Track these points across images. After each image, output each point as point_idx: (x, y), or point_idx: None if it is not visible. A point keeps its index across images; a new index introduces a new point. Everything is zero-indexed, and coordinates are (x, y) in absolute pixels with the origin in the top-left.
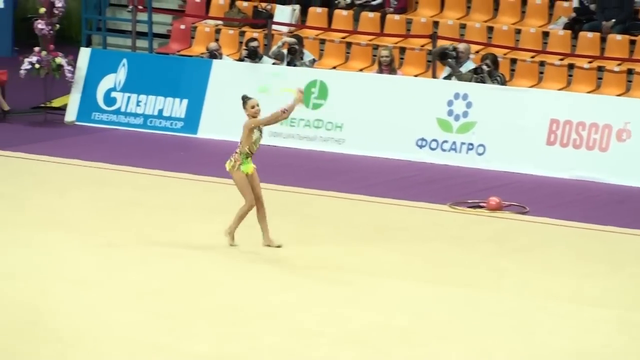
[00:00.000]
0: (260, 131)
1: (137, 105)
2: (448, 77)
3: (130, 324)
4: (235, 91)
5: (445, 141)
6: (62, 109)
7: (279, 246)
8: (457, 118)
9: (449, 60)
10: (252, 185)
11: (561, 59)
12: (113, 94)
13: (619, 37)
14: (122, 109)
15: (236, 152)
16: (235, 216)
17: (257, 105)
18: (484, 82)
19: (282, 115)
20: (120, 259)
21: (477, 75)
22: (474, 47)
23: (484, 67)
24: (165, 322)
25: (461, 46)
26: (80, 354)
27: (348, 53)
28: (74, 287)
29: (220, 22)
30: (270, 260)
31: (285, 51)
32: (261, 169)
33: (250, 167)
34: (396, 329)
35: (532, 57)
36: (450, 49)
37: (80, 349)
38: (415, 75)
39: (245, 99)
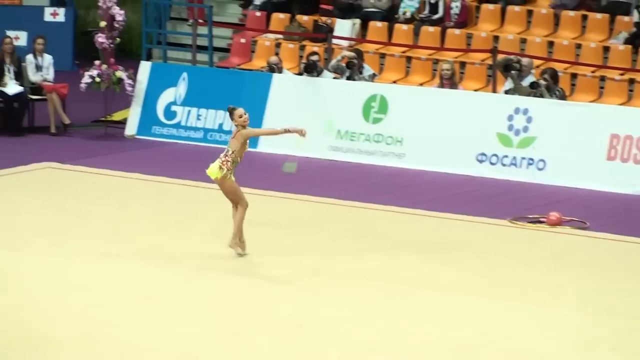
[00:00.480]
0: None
1: (197, 119)
2: (509, 92)
3: (192, 339)
4: (296, 105)
5: (506, 156)
6: (123, 122)
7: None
8: (517, 133)
9: (512, 72)
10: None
11: (621, 74)
12: (173, 108)
13: None
14: (182, 123)
15: (226, 161)
16: (235, 226)
17: (245, 114)
18: (542, 97)
19: (280, 133)
20: (181, 273)
21: (534, 90)
22: (535, 62)
23: (541, 81)
24: (227, 337)
25: (525, 60)
26: None
27: (408, 67)
28: (135, 300)
29: (280, 36)
30: (330, 275)
31: (344, 65)
32: (321, 184)
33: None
34: (455, 344)
35: (593, 72)
36: (515, 60)
37: None
38: (476, 90)
39: (232, 109)
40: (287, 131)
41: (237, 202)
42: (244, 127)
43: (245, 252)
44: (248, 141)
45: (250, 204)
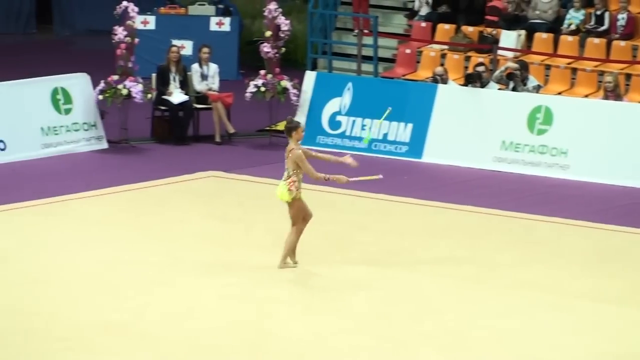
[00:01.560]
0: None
1: (362, 129)
2: None
3: (355, 348)
4: (461, 116)
5: None
6: None
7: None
8: None
9: None
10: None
11: None
12: (338, 118)
13: None
14: (347, 133)
15: (292, 181)
16: (287, 248)
17: (303, 130)
18: None
19: (320, 178)
20: (344, 282)
21: None
22: None
23: None
24: (389, 346)
25: None
26: None
27: (573, 79)
28: (298, 310)
29: (445, 46)
30: (493, 285)
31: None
32: (485, 195)
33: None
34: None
35: None
36: None
37: None
38: None
39: (296, 125)
40: (327, 179)
41: (296, 223)
42: (297, 140)
43: (296, 261)
44: None
45: (415, 214)
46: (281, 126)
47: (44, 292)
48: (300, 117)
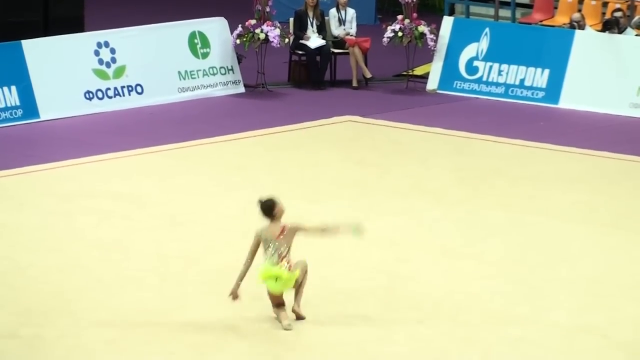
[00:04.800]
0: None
1: (499, 74)
2: None
3: (487, 294)
4: (598, 62)
5: None
6: (424, 77)
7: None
8: None
9: None
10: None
11: None
12: (475, 63)
13: None
14: (484, 78)
15: (289, 260)
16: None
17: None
18: None
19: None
20: (480, 228)
21: None
22: None
23: None
24: (523, 292)
25: None
26: (438, 323)
27: None
28: (435, 254)
29: None
30: (629, 232)
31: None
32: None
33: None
34: None
35: None
36: None
37: (439, 317)
38: None
39: (273, 203)
40: (324, 231)
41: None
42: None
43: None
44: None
45: (551, 160)
46: (418, 71)
47: (182, 235)
48: (437, 63)
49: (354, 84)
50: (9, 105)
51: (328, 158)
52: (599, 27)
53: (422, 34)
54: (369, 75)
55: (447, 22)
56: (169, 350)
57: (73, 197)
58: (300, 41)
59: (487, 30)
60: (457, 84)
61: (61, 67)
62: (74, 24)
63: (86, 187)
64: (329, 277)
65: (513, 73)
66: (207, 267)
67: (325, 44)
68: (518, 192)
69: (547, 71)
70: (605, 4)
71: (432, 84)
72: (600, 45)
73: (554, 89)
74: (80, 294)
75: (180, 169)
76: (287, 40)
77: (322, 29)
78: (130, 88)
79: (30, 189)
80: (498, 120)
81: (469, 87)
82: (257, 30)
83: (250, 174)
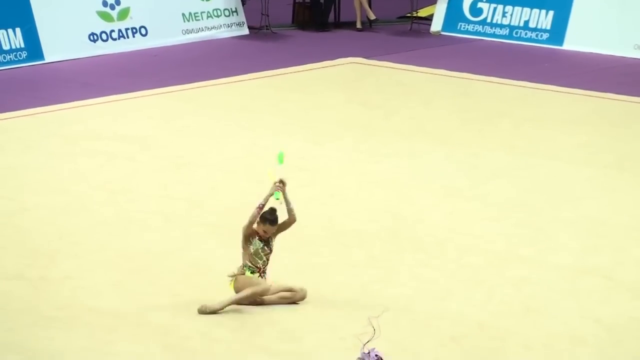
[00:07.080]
0: (264, 242)
1: (503, 16)
2: None
3: (491, 235)
4: (602, 3)
5: None
6: (428, 18)
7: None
8: None
9: None
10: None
11: None
12: (479, 5)
13: None
14: (488, 20)
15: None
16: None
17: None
18: None
19: (256, 215)
20: (484, 170)
21: None
22: None
23: None
24: (527, 233)
25: None
26: (442, 264)
27: None
28: (439, 196)
29: None
30: (632, 174)
31: None
32: (627, 83)
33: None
34: None
35: None
36: None
37: (441, 258)
38: None
39: (276, 217)
40: (261, 208)
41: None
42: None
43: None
44: (257, 241)
45: (555, 102)
46: (422, 13)
47: (186, 177)
48: (442, 4)
49: (358, 25)
50: (13, 47)
51: (332, 100)
52: None
53: None
54: (372, 17)
55: None
56: (174, 292)
57: (78, 139)
58: None
59: None
60: (461, 25)
61: (65, 9)
62: None
63: (91, 129)
64: (333, 218)
65: (517, 14)
66: (211, 209)
67: None
68: (522, 134)
69: (551, 12)
70: None
71: (436, 25)
72: None
73: (558, 31)
74: (85, 236)
75: (184, 111)
76: None
77: None
78: (134, 30)
79: (35, 131)
80: (502, 62)
81: (473, 29)
82: None
83: (254, 115)
